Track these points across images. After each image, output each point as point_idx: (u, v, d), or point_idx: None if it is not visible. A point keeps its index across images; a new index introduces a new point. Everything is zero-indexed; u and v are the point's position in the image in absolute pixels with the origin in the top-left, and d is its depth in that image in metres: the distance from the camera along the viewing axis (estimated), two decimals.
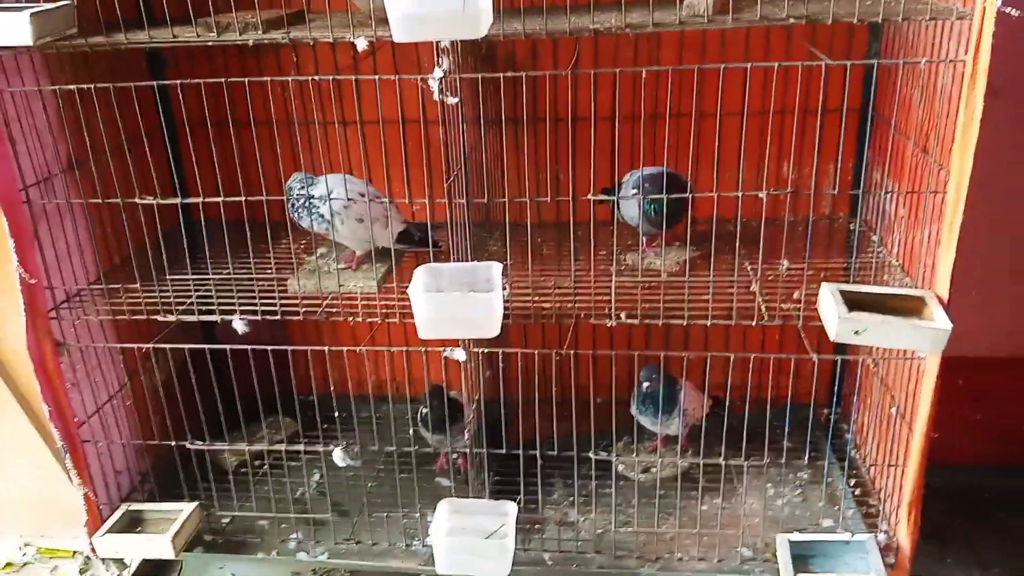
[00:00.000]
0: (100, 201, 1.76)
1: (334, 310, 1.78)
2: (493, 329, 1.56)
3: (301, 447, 2.03)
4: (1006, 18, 1.32)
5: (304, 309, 1.77)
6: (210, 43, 1.59)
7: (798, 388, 1.89)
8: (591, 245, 1.75)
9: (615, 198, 1.86)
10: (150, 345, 1.89)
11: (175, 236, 1.95)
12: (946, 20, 1.45)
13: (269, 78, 1.64)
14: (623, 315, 1.68)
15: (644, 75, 1.80)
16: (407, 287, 1.56)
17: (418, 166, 1.87)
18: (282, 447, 2.07)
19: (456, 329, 1.60)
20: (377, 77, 1.60)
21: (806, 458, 1.94)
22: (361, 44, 1.53)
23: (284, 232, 2.01)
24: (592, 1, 1.52)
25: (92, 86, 1.64)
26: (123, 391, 2.03)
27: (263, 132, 1.92)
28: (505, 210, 1.88)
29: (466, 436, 1.84)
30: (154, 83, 1.76)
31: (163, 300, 1.81)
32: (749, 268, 1.79)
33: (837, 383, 2.18)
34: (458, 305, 1.55)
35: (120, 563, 2.15)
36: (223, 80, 1.62)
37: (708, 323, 1.66)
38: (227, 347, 1.81)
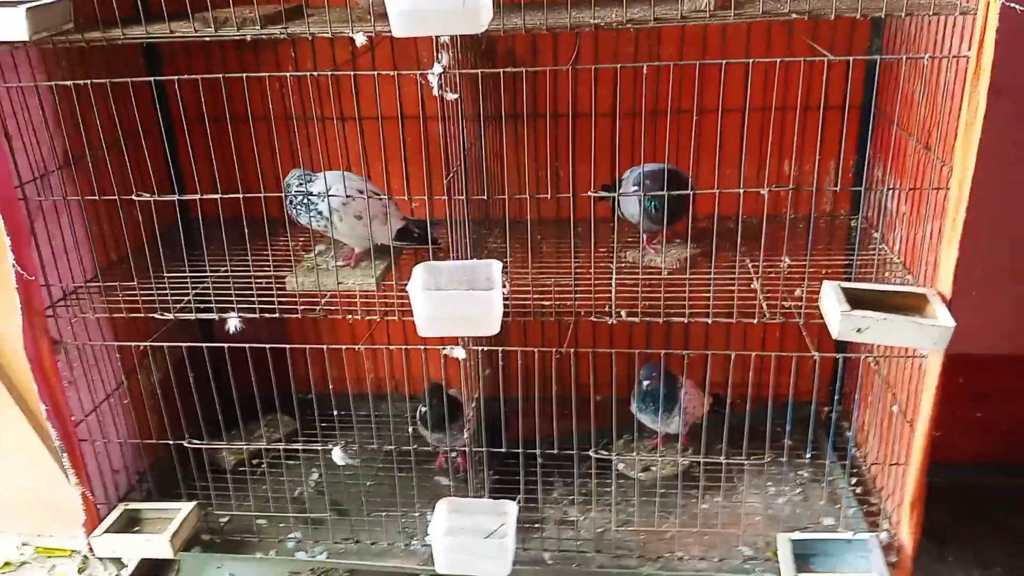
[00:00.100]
0: (97, 198, 1.75)
1: (333, 308, 1.78)
2: (493, 327, 1.55)
3: (299, 446, 2.02)
4: (1010, 13, 1.31)
5: (303, 307, 1.76)
6: (207, 38, 1.59)
7: (799, 386, 1.88)
8: (591, 242, 1.74)
9: (615, 195, 1.86)
10: (148, 343, 1.88)
11: (172, 233, 1.94)
12: (949, 15, 1.45)
13: (267, 74, 1.64)
14: (623, 313, 1.68)
15: (645, 71, 1.79)
16: (406, 285, 1.55)
17: (417, 162, 1.87)
18: (280, 446, 2.06)
19: (455, 327, 1.59)
20: (376, 73, 1.59)
21: (807, 456, 1.93)
22: (360, 39, 1.52)
23: (282, 229, 2.00)
24: None
25: (89, 82, 1.63)
26: (120, 390, 2.02)
27: (261, 128, 1.90)
28: (505, 207, 1.87)
29: (465, 435, 1.84)
30: (151, 79, 1.76)
31: (160, 298, 1.80)
32: (750, 265, 1.78)
33: (838, 381, 2.18)
34: (458, 303, 1.54)
35: (118, 562, 2.14)
36: (221, 76, 1.61)
37: (709, 321, 1.65)
38: (225, 345, 1.80)
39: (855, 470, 2.05)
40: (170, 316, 1.78)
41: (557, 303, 1.73)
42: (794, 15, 1.45)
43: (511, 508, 1.79)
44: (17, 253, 1.69)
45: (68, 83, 1.65)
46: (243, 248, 1.87)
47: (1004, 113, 1.50)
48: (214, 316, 1.77)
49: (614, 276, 1.70)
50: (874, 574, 1.67)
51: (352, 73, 1.64)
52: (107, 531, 1.90)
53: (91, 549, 1.91)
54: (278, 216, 1.87)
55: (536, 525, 1.97)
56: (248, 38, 1.58)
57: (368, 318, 1.75)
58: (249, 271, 1.83)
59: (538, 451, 1.85)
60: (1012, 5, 1.30)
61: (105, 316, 1.84)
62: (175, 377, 1.92)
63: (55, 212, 1.80)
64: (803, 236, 1.73)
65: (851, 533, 1.77)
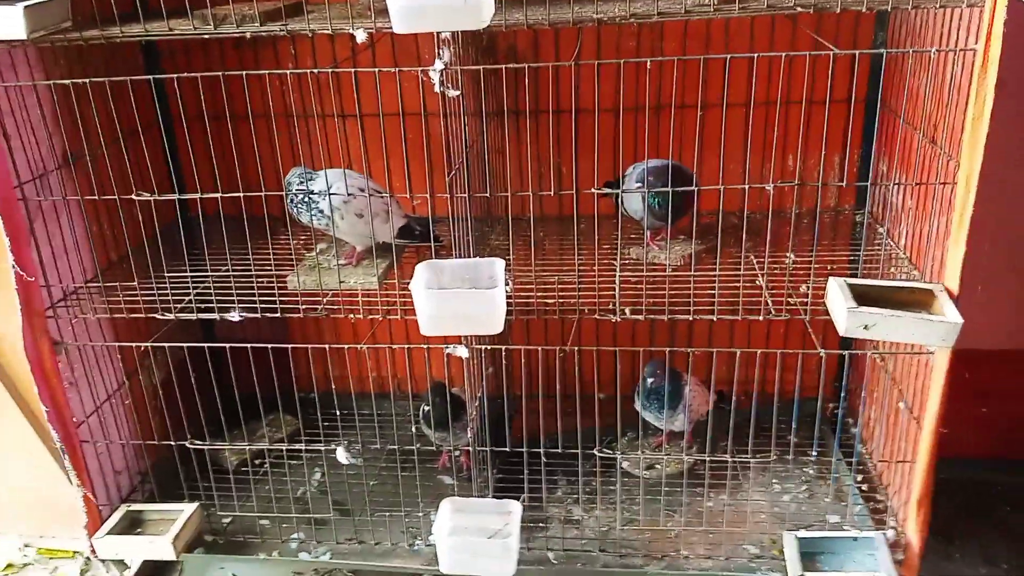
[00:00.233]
0: (96, 198, 1.74)
1: (335, 307, 1.77)
2: (496, 325, 1.54)
3: (302, 445, 2.01)
4: (1018, 5, 1.30)
5: (304, 306, 1.75)
6: (207, 36, 1.58)
7: (804, 383, 1.87)
8: (595, 239, 1.73)
9: (619, 191, 1.85)
10: (148, 343, 1.87)
11: (173, 232, 1.93)
12: (956, 8, 1.43)
13: (267, 71, 1.63)
14: (627, 310, 1.67)
15: (648, 66, 1.78)
16: (408, 283, 1.54)
17: (419, 160, 1.85)
18: (283, 446, 2.06)
19: (458, 325, 1.58)
20: (377, 70, 1.58)
21: (813, 454, 1.93)
22: (360, 36, 1.51)
23: (283, 228, 1.99)
24: None
25: (87, 80, 1.62)
26: (122, 390, 2.01)
27: (261, 126, 1.90)
28: (507, 204, 1.86)
29: (469, 434, 1.83)
30: (150, 77, 1.74)
31: (161, 298, 1.79)
32: (755, 262, 1.77)
33: (844, 378, 2.16)
34: (460, 301, 1.53)
35: (121, 564, 2.14)
36: (220, 74, 1.60)
37: (713, 318, 1.64)
38: (227, 345, 1.79)
39: (861, 467, 2.04)
40: (171, 316, 1.77)
41: (560, 301, 1.72)
42: (799, 8, 1.43)
43: (515, 507, 1.78)
44: (17, 254, 1.68)
45: (67, 82, 1.64)
46: (244, 247, 1.86)
47: (1010, 108, 1.49)
48: (215, 316, 1.76)
49: (618, 273, 1.69)
50: (881, 572, 1.66)
51: (353, 70, 1.63)
52: (109, 533, 1.90)
53: (93, 551, 1.90)
54: (279, 215, 1.86)
55: (540, 524, 1.96)
56: (248, 35, 1.56)
57: (370, 317, 1.74)
58: (250, 270, 1.82)
59: (542, 450, 1.84)
60: None
61: (105, 316, 1.83)
62: (177, 377, 1.91)
63: (55, 212, 1.79)
64: (808, 232, 1.72)
65: (857, 531, 1.76)
